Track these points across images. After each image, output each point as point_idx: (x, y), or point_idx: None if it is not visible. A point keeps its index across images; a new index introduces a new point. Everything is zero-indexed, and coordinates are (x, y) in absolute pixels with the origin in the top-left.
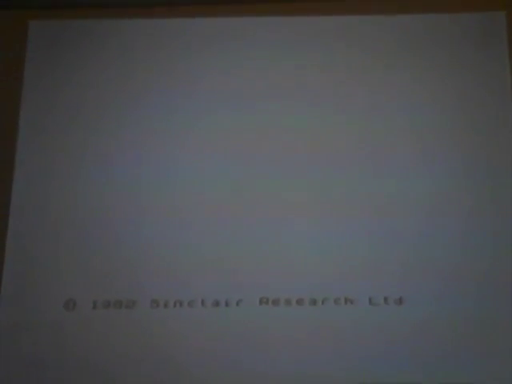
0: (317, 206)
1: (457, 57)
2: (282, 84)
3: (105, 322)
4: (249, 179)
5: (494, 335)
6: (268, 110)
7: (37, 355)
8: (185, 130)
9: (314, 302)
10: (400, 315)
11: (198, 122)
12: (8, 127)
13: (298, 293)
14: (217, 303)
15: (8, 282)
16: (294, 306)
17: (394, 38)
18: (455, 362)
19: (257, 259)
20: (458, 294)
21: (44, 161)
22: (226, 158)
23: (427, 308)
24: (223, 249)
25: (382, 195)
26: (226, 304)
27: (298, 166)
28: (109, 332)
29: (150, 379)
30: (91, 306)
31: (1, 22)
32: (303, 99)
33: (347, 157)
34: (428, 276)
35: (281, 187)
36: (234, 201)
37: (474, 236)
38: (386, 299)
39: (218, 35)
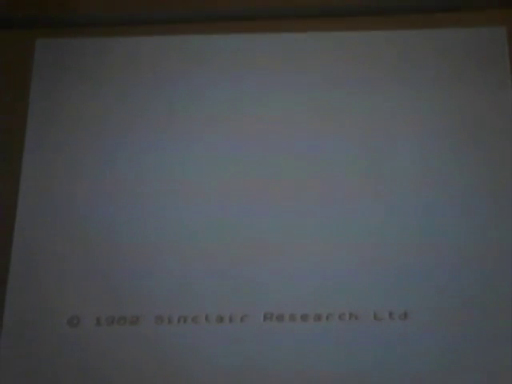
0: (321, 221)
1: (458, 71)
2: (282, 94)
3: (109, 338)
4: (255, 194)
5: (498, 349)
6: (269, 117)
7: (40, 372)
8: (187, 141)
9: (318, 318)
10: (405, 330)
11: (198, 133)
12: (15, 140)
13: (303, 308)
14: (221, 319)
15: (12, 299)
16: (299, 321)
17: (394, 53)
18: (460, 377)
19: (261, 275)
20: (463, 308)
21: (48, 175)
22: (228, 171)
23: (432, 322)
24: (227, 265)
25: (386, 211)
26: (230, 320)
27: (301, 185)
28: (113, 348)
29: None
30: (95, 322)
31: (8, 40)
32: (304, 108)
33: (348, 172)
34: (432, 290)
35: (286, 202)
36: (238, 216)
37: (478, 249)
38: (390, 314)
39: (219, 51)
